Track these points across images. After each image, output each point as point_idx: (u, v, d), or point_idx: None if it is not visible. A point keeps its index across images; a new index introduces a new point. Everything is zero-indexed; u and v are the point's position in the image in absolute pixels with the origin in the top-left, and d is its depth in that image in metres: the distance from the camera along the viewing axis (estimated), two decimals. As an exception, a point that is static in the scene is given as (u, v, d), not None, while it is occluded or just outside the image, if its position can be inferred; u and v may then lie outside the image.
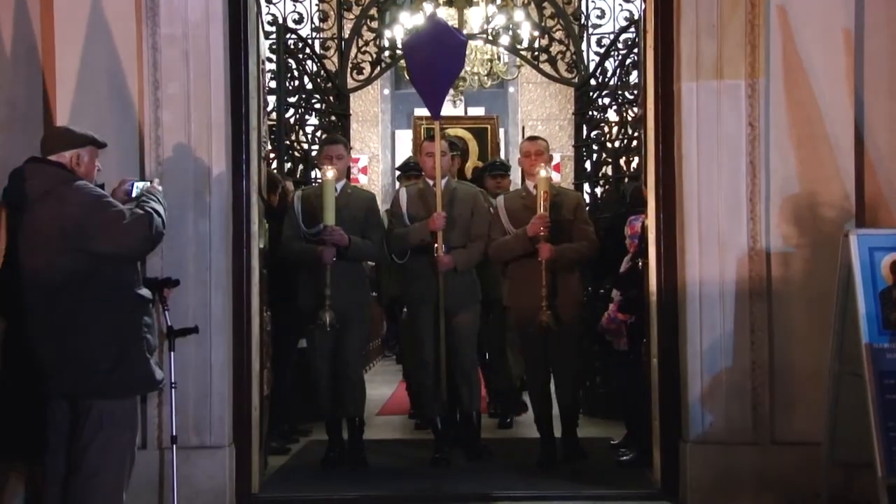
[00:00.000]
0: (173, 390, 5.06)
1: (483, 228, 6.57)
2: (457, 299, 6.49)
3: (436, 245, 6.38)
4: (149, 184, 4.70)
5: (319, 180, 6.91)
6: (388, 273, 7.52)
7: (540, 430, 6.50)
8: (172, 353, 5.06)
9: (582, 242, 6.40)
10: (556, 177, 6.67)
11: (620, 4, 8.71)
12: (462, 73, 11.42)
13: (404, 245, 6.54)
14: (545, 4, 8.88)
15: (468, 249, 6.53)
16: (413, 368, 7.49)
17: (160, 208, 4.47)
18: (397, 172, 9.27)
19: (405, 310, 7.27)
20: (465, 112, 14.22)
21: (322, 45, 8.89)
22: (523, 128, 9.86)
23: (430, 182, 6.57)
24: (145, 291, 4.54)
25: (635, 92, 7.66)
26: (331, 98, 8.58)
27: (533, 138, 7.00)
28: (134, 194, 4.65)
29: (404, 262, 6.59)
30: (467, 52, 11.19)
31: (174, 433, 5.06)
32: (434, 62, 6.33)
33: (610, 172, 8.27)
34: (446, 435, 6.63)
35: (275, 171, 7.47)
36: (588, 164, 8.49)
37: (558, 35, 8.91)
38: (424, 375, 6.63)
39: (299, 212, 6.45)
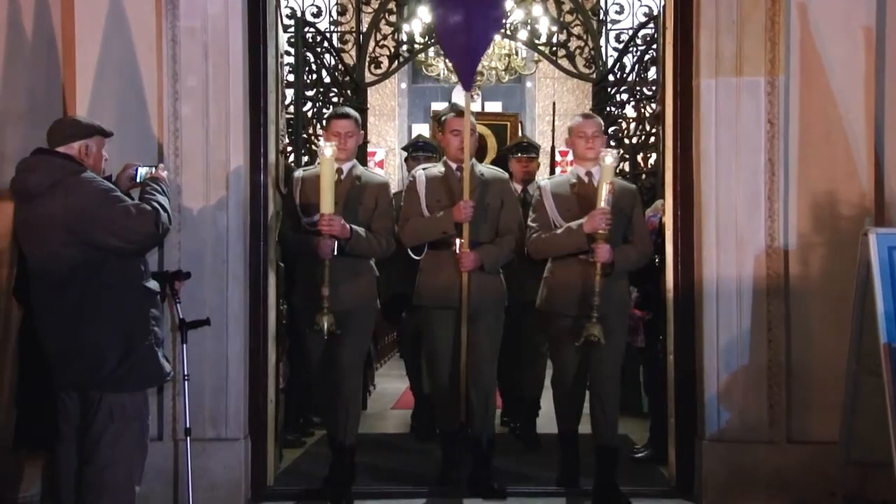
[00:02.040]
0: (186, 382, 5.08)
1: (514, 222, 5.74)
2: (481, 304, 5.59)
3: (460, 240, 5.56)
4: (153, 169, 4.70)
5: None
6: (389, 267, 6.28)
7: (566, 451, 5.81)
8: (185, 345, 5.07)
9: (638, 246, 5.55)
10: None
11: (639, 0, 8.68)
12: (480, 68, 11.42)
13: (421, 238, 5.68)
14: (564, 0, 8.86)
15: (497, 246, 5.66)
16: (420, 377, 6.92)
17: (165, 201, 4.47)
18: (403, 154, 8.39)
19: (405, 312, 6.79)
20: (483, 107, 14.18)
21: (340, 39, 8.90)
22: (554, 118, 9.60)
23: (454, 165, 5.70)
24: (153, 284, 4.54)
25: (653, 88, 7.63)
26: (348, 92, 8.58)
27: (589, 115, 5.80)
28: (138, 179, 4.66)
29: (419, 258, 5.74)
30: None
31: (188, 425, 5.08)
32: (468, 26, 5.36)
33: (627, 169, 8.24)
34: (455, 453, 5.80)
35: (292, 164, 7.47)
36: (605, 160, 8.45)
37: (577, 30, 8.89)
38: (439, 390, 5.78)
39: (298, 197, 5.58)
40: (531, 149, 7.17)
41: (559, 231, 5.50)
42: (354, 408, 5.61)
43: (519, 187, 6.65)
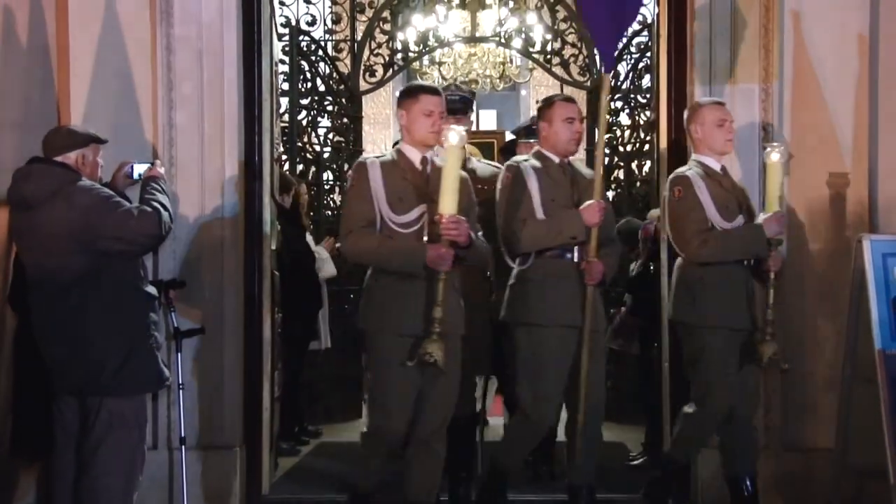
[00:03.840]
0: (181, 391, 5.08)
1: (613, 228, 5.15)
2: (598, 323, 4.90)
3: (578, 248, 4.82)
4: (149, 166, 4.72)
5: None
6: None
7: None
8: (179, 353, 5.07)
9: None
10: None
11: (634, 8, 8.69)
12: (474, 76, 11.43)
13: (543, 244, 4.83)
14: (558, 7, 8.86)
15: (612, 256, 4.97)
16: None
17: (165, 200, 4.49)
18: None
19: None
20: (477, 115, 14.21)
21: (335, 47, 8.89)
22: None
23: (556, 158, 4.92)
24: (151, 289, 4.56)
25: (648, 96, 7.64)
26: (343, 100, 8.58)
27: (721, 103, 5.11)
28: (135, 177, 4.68)
29: (525, 267, 4.88)
30: (479, 55, 11.29)
31: (183, 434, 5.07)
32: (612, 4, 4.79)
33: (622, 176, 8.25)
34: None
35: (287, 172, 7.47)
36: (600, 168, 8.46)
37: (571, 38, 8.89)
38: (546, 427, 5.02)
39: (381, 190, 4.56)
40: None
41: (732, 230, 4.88)
42: (440, 465, 4.73)
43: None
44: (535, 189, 4.84)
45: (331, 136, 8.44)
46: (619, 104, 8.31)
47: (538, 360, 4.82)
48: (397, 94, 4.69)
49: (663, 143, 5.71)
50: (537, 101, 5.36)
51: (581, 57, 8.83)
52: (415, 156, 4.63)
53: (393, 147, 4.84)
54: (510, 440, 5.13)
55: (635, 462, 6.46)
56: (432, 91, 4.66)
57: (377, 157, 4.65)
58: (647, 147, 7.79)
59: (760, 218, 4.90)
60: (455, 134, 4.39)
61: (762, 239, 4.81)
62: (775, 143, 5.02)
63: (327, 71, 8.48)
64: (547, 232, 4.80)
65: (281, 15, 8.13)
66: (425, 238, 4.51)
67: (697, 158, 5.02)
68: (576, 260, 4.84)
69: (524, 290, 4.87)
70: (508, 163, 5.06)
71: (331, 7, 9.12)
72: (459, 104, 5.48)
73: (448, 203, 4.38)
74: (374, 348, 4.58)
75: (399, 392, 4.48)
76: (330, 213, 8.16)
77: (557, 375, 4.81)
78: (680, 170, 5.03)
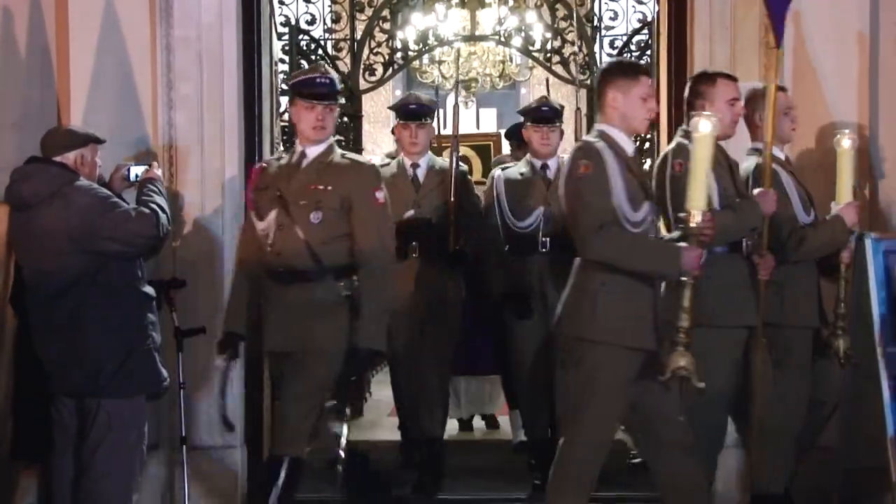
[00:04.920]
0: (182, 391, 5.07)
1: None
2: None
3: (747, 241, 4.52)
4: (146, 168, 4.72)
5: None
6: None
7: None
8: (181, 353, 5.06)
9: None
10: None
11: (633, 6, 8.70)
12: (474, 74, 11.43)
13: (732, 238, 4.43)
14: (558, 6, 8.88)
15: None
16: None
17: (163, 202, 4.49)
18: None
19: None
20: (477, 113, 14.18)
21: (334, 47, 8.89)
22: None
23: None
24: (149, 289, 4.56)
25: (648, 94, 7.63)
26: (343, 99, 8.57)
27: (782, 88, 4.80)
28: (132, 179, 4.68)
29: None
30: (479, 54, 11.28)
31: (184, 433, 5.07)
32: None
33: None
34: None
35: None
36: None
37: (571, 37, 8.89)
38: None
39: (620, 183, 3.99)
40: (553, 115, 5.78)
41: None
42: None
43: (538, 163, 5.74)
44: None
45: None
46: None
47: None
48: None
49: (664, 141, 5.71)
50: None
51: (581, 55, 8.83)
52: (627, 144, 4.13)
53: (595, 132, 4.14)
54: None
55: (636, 461, 6.44)
56: (649, 73, 4.36)
57: (593, 140, 4.08)
58: (647, 145, 7.78)
59: (834, 209, 4.73)
60: (706, 122, 3.96)
61: (841, 229, 4.65)
62: (846, 130, 4.81)
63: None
64: (735, 223, 4.34)
65: (280, 14, 8.13)
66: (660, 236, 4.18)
67: (756, 147, 4.78)
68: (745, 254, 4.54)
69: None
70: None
71: (330, 6, 9.13)
72: (419, 110, 5.70)
73: (700, 198, 3.95)
74: (600, 361, 4.01)
75: (620, 407, 4.12)
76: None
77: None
78: (753, 163, 4.74)
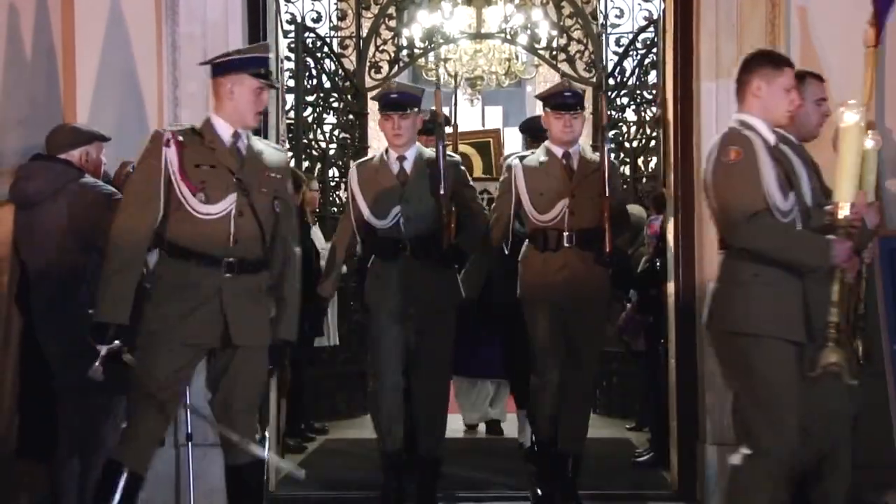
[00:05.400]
0: (188, 388, 5.06)
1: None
2: None
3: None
4: None
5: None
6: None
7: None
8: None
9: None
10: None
11: (639, 4, 8.68)
12: (480, 73, 11.41)
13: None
14: (563, 4, 8.86)
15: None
16: None
17: None
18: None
19: None
20: (483, 111, 14.18)
21: (340, 44, 8.90)
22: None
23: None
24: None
25: (654, 92, 7.63)
26: (349, 97, 8.58)
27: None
28: None
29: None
30: (485, 52, 11.27)
31: (189, 430, 5.07)
32: None
33: (628, 172, 8.24)
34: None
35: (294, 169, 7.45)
36: (606, 164, 8.45)
37: (577, 34, 8.88)
38: None
39: (772, 173, 3.86)
40: (576, 101, 5.37)
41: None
42: None
43: (559, 150, 5.36)
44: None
45: (336, 132, 8.45)
46: (624, 100, 8.30)
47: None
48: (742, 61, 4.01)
49: (669, 139, 5.70)
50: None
51: (587, 53, 8.82)
52: (769, 134, 3.98)
53: (735, 121, 4.01)
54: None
55: (641, 458, 6.45)
56: (793, 65, 4.18)
57: (738, 128, 3.94)
58: (652, 143, 7.79)
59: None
60: (853, 112, 3.90)
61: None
62: (869, 130, 4.60)
63: (333, 67, 8.48)
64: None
65: (286, 12, 8.14)
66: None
67: None
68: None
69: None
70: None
71: (336, 3, 9.13)
72: (402, 99, 5.25)
73: (849, 190, 3.84)
74: (762, 356, 3.83)
75: (793, 403, 3.82)
76: (335, 209, 8.16)
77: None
78: None
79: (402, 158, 5.27)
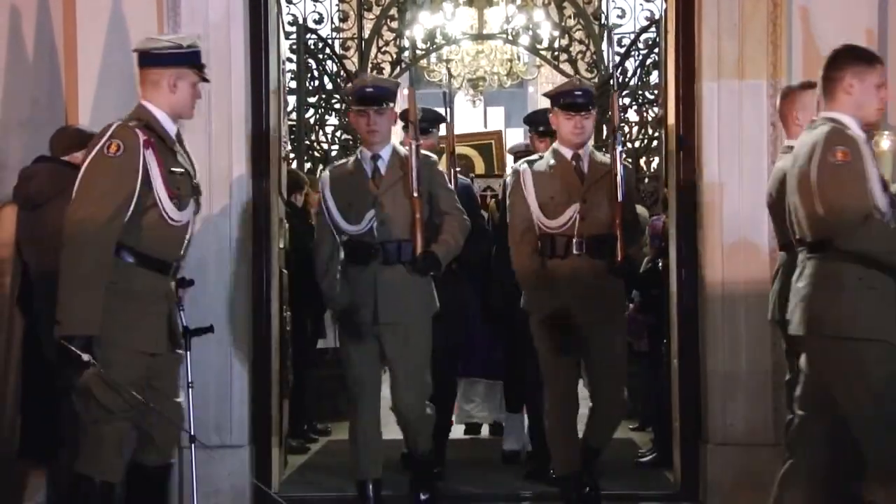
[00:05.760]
0: (190, 390, 5.07)
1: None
2: None
3: None
4: None
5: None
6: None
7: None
8: (188, 352, 5.06)
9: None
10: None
11: (641, 4, 8.71)
12: (482, 73, 11.43)
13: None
14: (565, 4, 8.89)
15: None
16: None
17: None
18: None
19: None
20: (485, 112, 14.18)
21: (342, 46, 8.92)
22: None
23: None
24: None
25: (656, 92, 7.63)
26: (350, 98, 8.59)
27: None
28: None
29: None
30: (486, 53, 11.29)
31: (192, 432, 5.07)
32: None
33: (629, 173, 8.23)
34: None
35: (297, 171, 7.46)
36: (608, 164, 8.45)
37: (578, 35, 8.90)
38: None
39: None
40: (587, 101, 5.10)
41: None
42: None
43: (569, 152, 5.12)
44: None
45: (338, 133, 8.45)
46: (626, 100, 8.30)
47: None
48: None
49: (671, 139, 5.70)
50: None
51: (588, 53, 8.83)
52: (860, 133, 3.82)
53: (822, 119, 3.85)
54: None
55: (644, 459, 6.45)
56: (883, 62, 4.02)
57: (841, 126, 3.78)
58: (654, 143, 7.78)
59: None
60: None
61: None
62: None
63: (335, 69, 8.49)
64: None
65: (288, 13, 8.16)
66: None
67: (791, 145, 4.36)
68: None
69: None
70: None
71: (338, 5, 9.15)
72: (377, 93, 4.96)
73: None
74: (874, 361, 3.70)
75: None
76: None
77: None
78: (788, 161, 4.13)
79: (376, 157, 4.96)
